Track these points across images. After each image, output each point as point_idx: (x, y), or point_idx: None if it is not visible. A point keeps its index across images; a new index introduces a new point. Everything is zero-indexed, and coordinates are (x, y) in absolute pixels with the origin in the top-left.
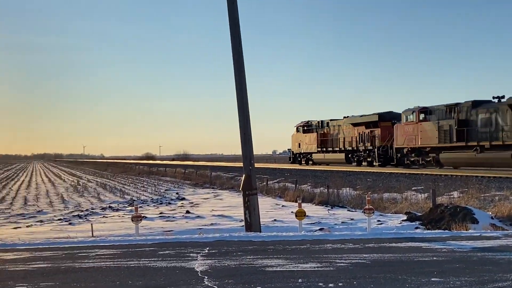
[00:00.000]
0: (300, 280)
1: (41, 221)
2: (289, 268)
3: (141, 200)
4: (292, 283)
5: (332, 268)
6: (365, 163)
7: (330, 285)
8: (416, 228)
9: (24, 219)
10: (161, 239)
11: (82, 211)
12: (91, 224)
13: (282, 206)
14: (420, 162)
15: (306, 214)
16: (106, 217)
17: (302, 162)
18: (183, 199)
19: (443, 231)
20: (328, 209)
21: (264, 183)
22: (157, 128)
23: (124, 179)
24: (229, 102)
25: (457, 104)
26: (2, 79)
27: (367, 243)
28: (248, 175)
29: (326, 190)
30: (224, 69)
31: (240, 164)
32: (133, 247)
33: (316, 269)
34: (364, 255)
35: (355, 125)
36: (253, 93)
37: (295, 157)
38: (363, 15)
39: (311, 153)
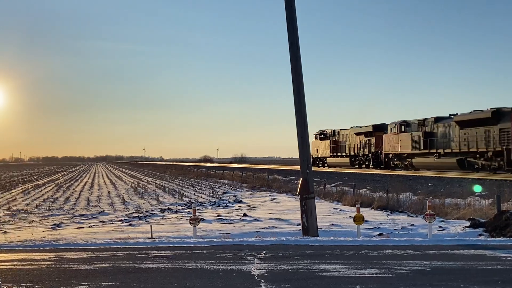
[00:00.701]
0: (357, 287)
1: (102, 221)
2: (347, 274)
3: (199, 202)
4: None
5: (391, 275)
6: (364, 166)
7: None
8: (480, 235)
9: (87, 219)
10: (218, 242)
11: (142, 212)
12: (151, 226)
13: (340, 210)
14: (401, 165)
15: (365, 219)
16: (165, 218)
17: (320, 165)
18: (240, 202)
19: (508, 238)
20: (388, 214)
21: (322, 187)
22: (215, 131)
23: (182, 181)
24: (287, 105)
25: (424, 119)
26: (69, 83)
27: (428, 250)
28: (305, 178)
29: (385, 194)
30: (282, 72)
31: (297, 167)
32: (191, 249)
33: (375, 275)
34: (425, 262)
35: (357, 134)
36: (312, 96)
37: (314, 161)
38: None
39: (325, 157)
